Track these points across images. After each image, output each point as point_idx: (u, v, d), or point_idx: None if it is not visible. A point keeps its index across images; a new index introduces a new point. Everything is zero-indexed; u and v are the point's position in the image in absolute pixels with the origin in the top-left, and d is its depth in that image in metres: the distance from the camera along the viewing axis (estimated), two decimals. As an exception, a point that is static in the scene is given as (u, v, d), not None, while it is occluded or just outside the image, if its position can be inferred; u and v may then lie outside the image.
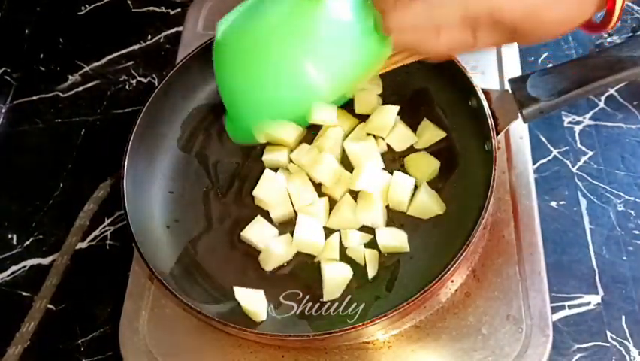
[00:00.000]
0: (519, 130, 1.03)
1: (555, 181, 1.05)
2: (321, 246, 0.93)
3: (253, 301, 0.88)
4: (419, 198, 0.94)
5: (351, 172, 0.97)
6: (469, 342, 0.87)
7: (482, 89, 0.93)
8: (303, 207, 0.96)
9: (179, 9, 1.37)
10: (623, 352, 0.91)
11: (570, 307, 0.95)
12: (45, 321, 1.02)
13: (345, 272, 0.90)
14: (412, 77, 1.06)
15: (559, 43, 1.21)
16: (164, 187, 1.03)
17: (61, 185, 1.17)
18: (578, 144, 1.09)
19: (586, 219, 1.02)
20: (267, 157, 1.02)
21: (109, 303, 1.02)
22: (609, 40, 1.21)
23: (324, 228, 0.95)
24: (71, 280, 1.06)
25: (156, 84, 1.20)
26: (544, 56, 1.20)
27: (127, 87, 1.28)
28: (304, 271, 0.93)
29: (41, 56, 1.35)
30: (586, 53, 1.19)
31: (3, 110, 1.29)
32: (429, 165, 0.97)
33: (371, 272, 0.90)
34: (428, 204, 0.94)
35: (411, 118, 1.03)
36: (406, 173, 0.96)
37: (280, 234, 0.95)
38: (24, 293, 1.06)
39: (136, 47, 1.33)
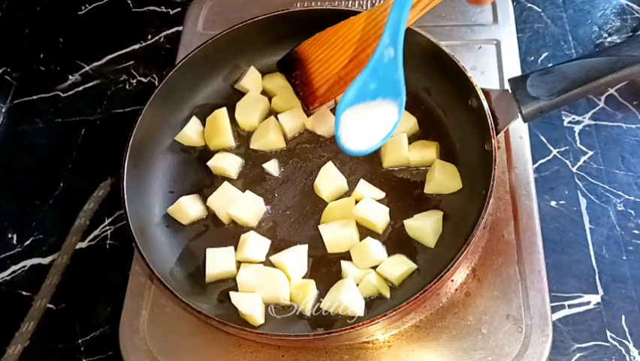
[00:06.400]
0: (519, 130, 1.03)
1: (555, 181, 1.05)
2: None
3: (250, 305, 0.88)
4: (436, 176, 0.95)
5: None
6: (468, 341, 0.87)
7: (482, 89, 0.93)
8: None
9: (179, 9, 1.37)
10: (623, 351, 0.91)
11: (570, 306, 0.95)
12: (45, 321, 1.02)
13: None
14: (412, 77, 1.06)
15: (559, 43, 1.21)
16: (164, 187, 1.03)
17: (61, 185, 1.17)
18: (578, 144, 1.09)
19: (586, 219, 1.02)
20: (213, 163, 1.03)
21: (109, 303, 1.02)
22: (609, 40, 1.21)
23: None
24: (71, 280, 1.06)
25: (156, 84, 1.20)
26: (544, 55, 1.20)
27: (127, 87, 1.28)
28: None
29: (41, 55, 1.35)
30: (586, 52, 1.19)
31: (3, 110, 1.29)
32: (406, 121, 1.01)
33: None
34: (444, 180, 0.95)
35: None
36: None
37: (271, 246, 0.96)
38: (24, 293, 1.06)
39: (136, 46, 1.33)
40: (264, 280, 0.90)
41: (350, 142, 0.86)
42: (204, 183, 1.03)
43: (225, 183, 1.00)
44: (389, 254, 0.93)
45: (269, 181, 1.02)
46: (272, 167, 1.03)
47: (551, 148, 1.09)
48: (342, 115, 0.85)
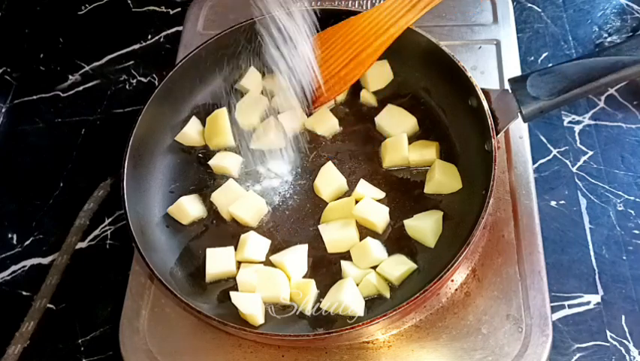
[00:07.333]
0: (519, 130, 1.03)
1: (555, 181, 1.05)
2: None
3: (250, 305, 0.87)
4: (436, 176, 0.95)
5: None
6: (468, 342, 0.87)
7: (482, 89, 0.93)
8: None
9: (179, 9, 1.37)
10: (623, 351, 0.91)
11: (570, 306, 0.95)
12: (45, 320, 1.02)
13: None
14: (412, 77, 1.07)
15: (559, 43, 1.21)
16: (164, 187, 1.03)
17: (62, 184, 1.17)
18: (578, 144, 1.09)
19: (586, 219, 1.02)
20: (214, 162, 1.03)
21: (109, 303, 1.02)
22: (609, 40, 1.21)
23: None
24: (71, 280, 1.06)
25: (156, 84, 1.20)
26: (544, 55, 1.20)
27: (127, 87, 1.28)
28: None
29: (41, 55, 1.35)
30: (586, 52, 1.19)
31: (3, 110, 1.29)
32: (406, 121, 1.01)
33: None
34: (444, 180, 0.95)
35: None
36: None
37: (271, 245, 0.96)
38: (24, 293, 1.06)
39: (136, 46, 1.33)
40: (264, 280, 0.90)
41: None
42: (204, 182, 1.03)
43: (230, 180, 1.00)
44: (389, 254, 0.93)
45: (269, 181, 1.02)
46: (272, 167, 1.03)
47: (551, 148, 1.09)
48: None
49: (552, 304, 0.89)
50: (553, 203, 1.03)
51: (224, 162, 1.02)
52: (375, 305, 0.89)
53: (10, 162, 1.22)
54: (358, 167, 1.02)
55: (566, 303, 0.95)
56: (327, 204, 0.98)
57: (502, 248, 0.94)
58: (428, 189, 0.97)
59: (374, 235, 0.95)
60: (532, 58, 1.20)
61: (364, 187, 0.97)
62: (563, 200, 1.04)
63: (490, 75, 1.10)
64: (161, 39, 1.34)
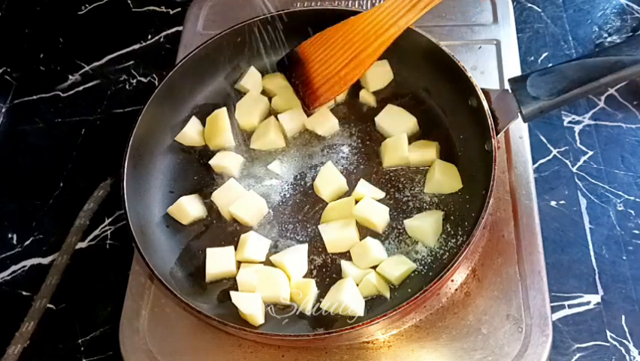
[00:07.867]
0: (519, 130, 1.03)
1: (555, 181, 1.05)
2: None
3: (250, 305, 0.88)
4: (436, 176, 0.95)
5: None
6: (468, 341, 0.87)
7: (482, 89, 0.93)
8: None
9: (179, 9, 1.37)
10: (623, 351, 0.91)
11: (570, 306, 0.95)
12: (45, 320, 1.02)
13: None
14: (412, 77, 1.07)
15: (559, 43, 1.21)
16: (164, 187, 1.03)
17: (62, 184, 1.17)
18: (578, 144, 1.09)
19: (586, 219, 1.02)
20: (214, 162, 1.03)
21: (109, 303, 1.02)
22: (609, 40, 1.21)
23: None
24: (71, 280, 1.06)
25: (156, 84, 1.20)
26: (544, 55, 1.20)
27: (127, 87, 1.28)
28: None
29: (41, 55, 1.35)
30: (586, 53, 1.19)
31: (3, 110, 1.29)
32: (406, 121, 1.01)
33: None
34: (444, 180, 0.95)
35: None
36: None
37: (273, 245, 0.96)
38: (24, 293, 1.06)
39: (136, 46, 1.33)
40: (264, 279, 0.90)
41: None
42: (204, 182, 1.03)
43: (231, 180, 1.00)
44: (389, 254, 0.93)
45: (269, 181, 1.02)
46: (272, 167, 1.03)
47: (551, 148, 1.09)
48: None
49: (552, 304, 0.89)
50: (553, 203, 1.03)
51: (224, 161, 1.02)
52: (375, 305, 0.89)
53: (10, 162, 1.22)
54: (358, 167, 1.02)
55: (566, 303, 0.95)
56: (327, 204, 0.98)
57: (502, 248, 0.94)
58: (428, 189, 0.97)
59: (374, 235, 0.95)
60: (532, 58, 1.20)
61: (364, 187, 0.97)
62: (563, 200, 1.04)
63: (490, 75, 1.10)
64: (161, 39, 1.34)
